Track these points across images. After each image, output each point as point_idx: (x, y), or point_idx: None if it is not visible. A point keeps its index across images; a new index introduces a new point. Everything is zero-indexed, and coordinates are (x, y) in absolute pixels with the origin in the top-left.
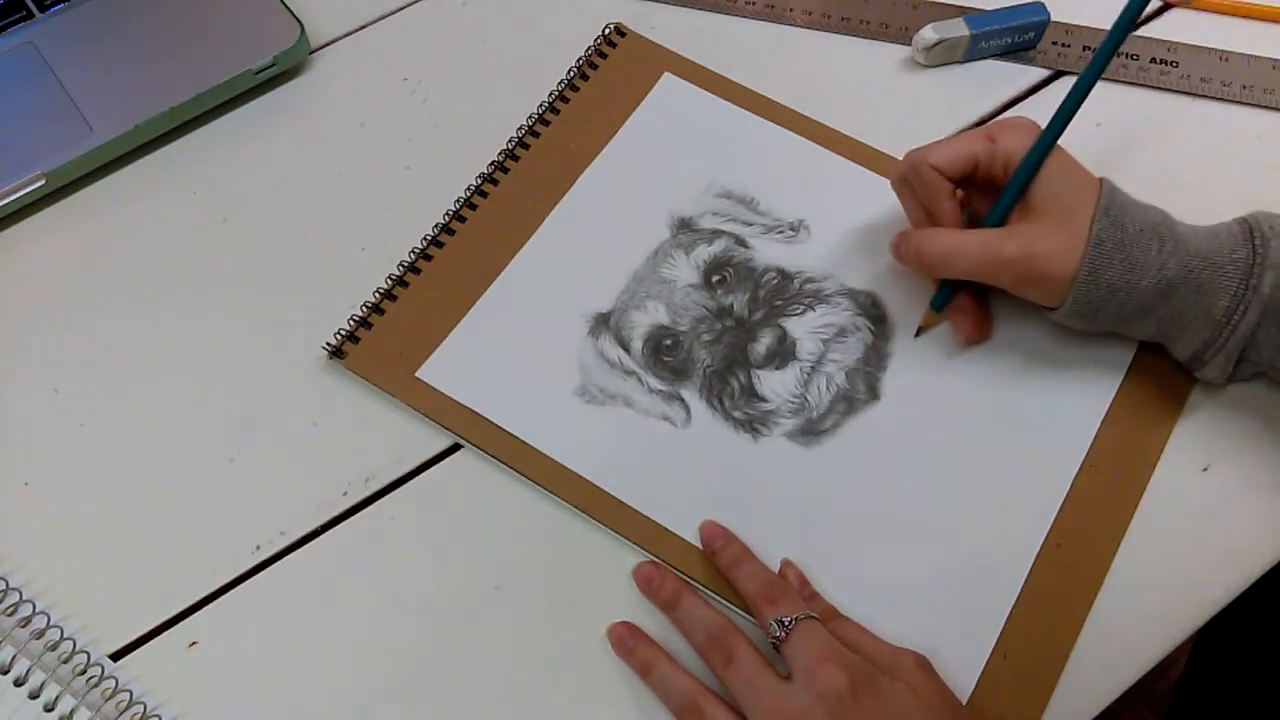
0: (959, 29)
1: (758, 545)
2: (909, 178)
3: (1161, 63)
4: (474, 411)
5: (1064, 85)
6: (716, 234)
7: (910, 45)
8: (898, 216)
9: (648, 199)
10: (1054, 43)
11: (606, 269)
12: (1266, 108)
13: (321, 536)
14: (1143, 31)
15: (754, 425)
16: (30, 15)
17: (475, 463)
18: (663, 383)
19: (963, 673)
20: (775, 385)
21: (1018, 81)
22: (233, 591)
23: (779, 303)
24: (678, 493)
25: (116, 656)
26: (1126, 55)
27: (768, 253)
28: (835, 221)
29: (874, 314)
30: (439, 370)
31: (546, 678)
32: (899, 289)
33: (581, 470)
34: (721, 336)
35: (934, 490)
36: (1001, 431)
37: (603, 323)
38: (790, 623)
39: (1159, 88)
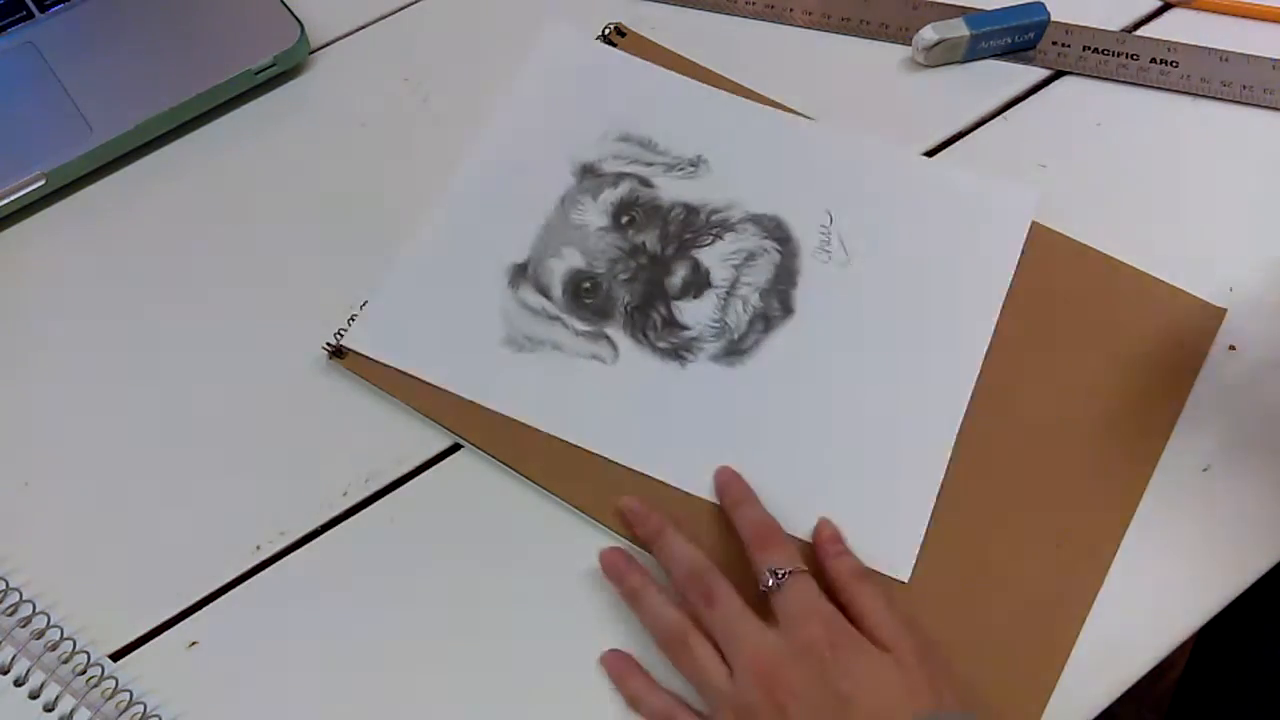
0: (959, 29)
1: (697, 465)
2: None
3: (1161, 63)
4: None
5: (1064, 86)
6: (620, 177)
7: (910, 45)
8: (792, 141)
9: (549, 150)
10: (1054, 43)
11: (519, 221)
12: (1266, 108)
13: (321, 536)
14: (1143, 31)
15: (679, 353)
16: (30, 15)
17: (475, 463)
18: (587, 324)
19: (901, 552)
20: (694, 313)
21: (1018, 81)
22: (233, 591)
23: (688, 236)
24: (617, 425)
25: (116, 656)
26: (1126, 55)
27: (671, 190)
28: (732, 153)
29: (779, 235)
30: (364, 337)
31: (546, 678)
32: (800, 208)
33: (524, 418)
34: (638, 274)
35: (854, 391)
36: (909, 326)
37: (520, 273)
38: (784, 576)
39: (1159, 88)
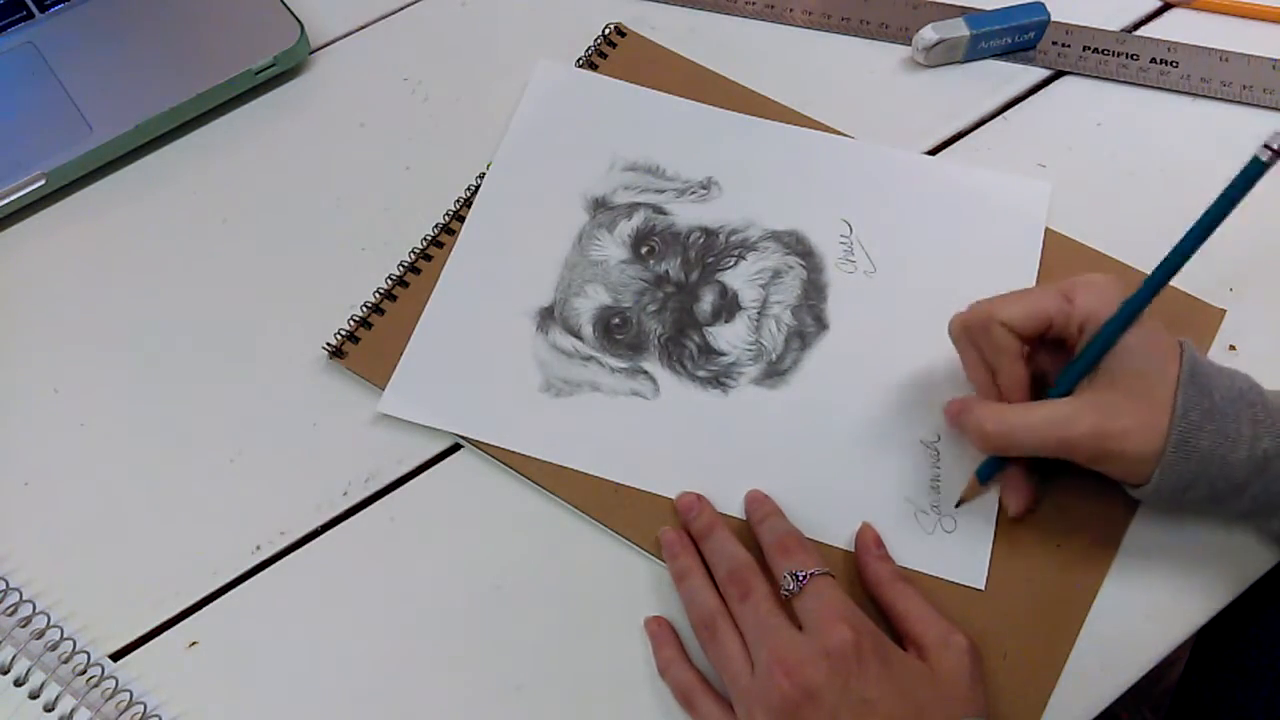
0: (959, 29)
1: (748, 490)
2: (974, 332)
3: (1161, 63)
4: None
5: (1064, 86)
6: (634, 207)
7: (910, 45)
8: (798, 154)
9: (557, 188)
10: (1054, 43)
11: (538, 263)
12: (1266, 108)
13: (321, 536)
14: (1143, 31)
15: (720, 380)
16: (30, 15)
17: (475, 463)
18: (622, 360)
19: (973, 560)
20: (729, 338)
21: (1018, 81)
22: (233, 591)
23: (710, 259)
24: (665, 461)
25: (116, 656)
26: (1126, 55)
27: (687, 215)
28: (741, 172)
29: (801, 250)
30: (398, 400)
31: (546, 678)
32: (817, 220)
33: (568, 462)
34: (666, 304)
35: (897, 398)
36: (944, 329)
37: (548, 316)
38: (804, 578)
39: (1159, 88)
